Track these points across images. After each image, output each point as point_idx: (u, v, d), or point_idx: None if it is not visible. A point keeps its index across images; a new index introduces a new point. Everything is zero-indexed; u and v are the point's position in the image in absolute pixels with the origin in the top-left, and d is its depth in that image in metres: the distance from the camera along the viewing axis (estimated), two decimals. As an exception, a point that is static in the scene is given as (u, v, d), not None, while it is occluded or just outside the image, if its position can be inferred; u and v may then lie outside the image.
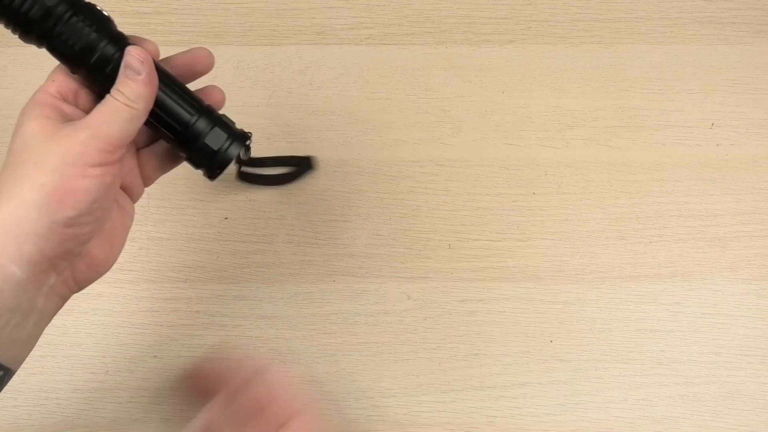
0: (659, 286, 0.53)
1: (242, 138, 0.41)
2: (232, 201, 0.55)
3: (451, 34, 0.59)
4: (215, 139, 0.40)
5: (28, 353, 0.36)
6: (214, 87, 0.42)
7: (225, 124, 0.41)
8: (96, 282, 0.38)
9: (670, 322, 0.52)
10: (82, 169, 0.34)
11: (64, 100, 0.37)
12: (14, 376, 0.37)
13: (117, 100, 0.35)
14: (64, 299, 0.37)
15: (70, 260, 0.36)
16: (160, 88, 0.38)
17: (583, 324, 0.52)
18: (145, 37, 0.39)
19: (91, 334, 0.52)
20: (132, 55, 0.36)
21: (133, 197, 0.41)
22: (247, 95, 0.57)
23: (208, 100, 0.41)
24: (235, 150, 0.41)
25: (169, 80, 0.40)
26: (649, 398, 0.51)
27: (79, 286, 0.37)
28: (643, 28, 0.59)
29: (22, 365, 0.37)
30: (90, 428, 0.50)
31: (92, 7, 0.37)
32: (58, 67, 0.38)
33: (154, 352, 0.52)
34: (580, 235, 0.54)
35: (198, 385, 0.39)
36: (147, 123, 0.38)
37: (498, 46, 0.59)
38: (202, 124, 0.40)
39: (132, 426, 0.51)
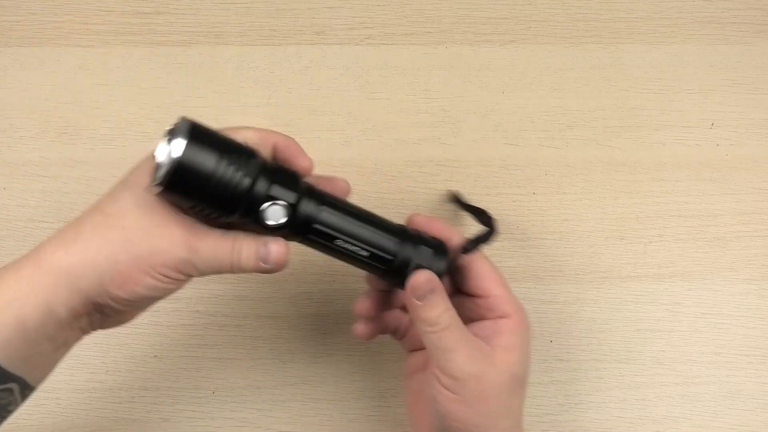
0: (659, 286, 0.53)
1: (442, 249, 0.42)
2: (232, 201, 0.55)
3: (451, 34, 0.59)
4: (424, 260, 0.41)
5: (48, 376, 0.39)
6: (340, 180, 0.42)
7: (424, 240, 0.42)
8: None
9: (670, 322, 0.52)
10: (158, 271, 0.35)
11: None
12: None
13: (232, 253, 0.37)
14: (86, 334, 0.38)
15: (105, 316, 0.37)
16: (357, 226, 0.40)
17: (583, 324, 0.52)
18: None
19: (91, 334, 0.52)
20: (279, 249, 0.38)
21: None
22: (247, 95, 0.57)
23: (334, 189, 0.41)
24: (441, 264, 0.41)
25: (365, 215, 0.40)
26: (648, 398, 0.51)
27: (102, 328, 0.39)
28: (643, 28, 0.59)
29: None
30: (90, 428, 0.51)
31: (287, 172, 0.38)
32: None
33: (154, 352, 0.52)
34: (580, 235, 0.54)
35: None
36: (352, 261, 0.41)
37: (498, 46, 0.59)
38: (408, 250, 0.41)
39: (132, 426, 0.51)
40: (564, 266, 0.53)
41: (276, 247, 0.38)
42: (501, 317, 0.41)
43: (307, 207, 0.38)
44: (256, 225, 0.38)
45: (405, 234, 0.41)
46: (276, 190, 0.37)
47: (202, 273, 0.36)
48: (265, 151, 0.38)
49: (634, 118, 0.57)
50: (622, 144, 0.56)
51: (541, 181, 0.55)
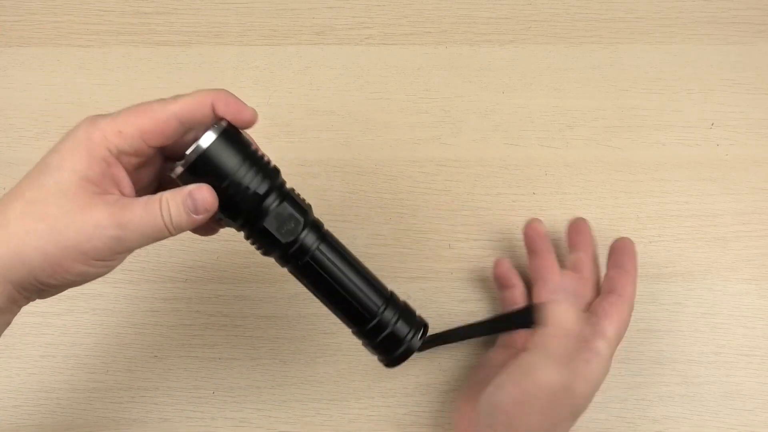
0: (659, 286, 0.53)
1: (423, 327, 0.43)
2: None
3: (451, 34, 0.59)
4: (400, 332, 0.41)
5: None
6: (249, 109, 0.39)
7: (408, 312, 0.42)
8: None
9: (670, 322, 0.52)
10: (90, 256, 0.34)
11: (117, 158, 0.36)
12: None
13: (161, 215, 0.35)
14: (23, 306, 0.37)
15: (42, 293, 0.36)
16: (348, 274, 0.40)
17: (583, 324, 0.52)
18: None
19: (91, 334, 0.52)
20: (203, 194, 0.36)
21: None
22: (247, 95, 0.57)
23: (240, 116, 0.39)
24: (417, 343, 0.42)
25: (359, 267, 0.41)
26: (648, 398, 0.51)
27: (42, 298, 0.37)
28: (643, 28, 0.59)
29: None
30: (90, 428, 0.51)
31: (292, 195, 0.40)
32: (130, 113, 0.36)
33: (154, 352, 0.52)
34: (580, 235, 0.54)
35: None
36: (331, 306, 0.41)
37: (498, 46, 0.59)
38: (388, 315, 0.41)
39: (132, 426, 0.51)
40: (564, 266, 0.53)
41: (199, 194, 0.36)
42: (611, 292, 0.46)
43: (308, 237, 0.39)
44: (251, 236, 0.39)
45: (391, 300, 0.42)
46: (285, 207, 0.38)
47: (139, 245, 0.35)
48: (204, 111, 0.37)
49: (634, 118, 0.57)
50: (622, 144, 0.56)
51: (541, 181, 0.55)
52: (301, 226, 0.38)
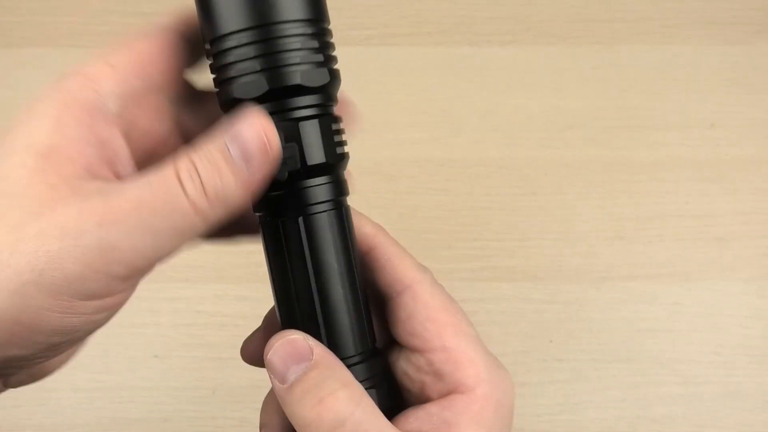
0: (659, 286, 0.53)
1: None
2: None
3: (451, 34, 0.59)
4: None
5: None
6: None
7: (390, 381, 0.27)
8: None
9: (670, 322, 0.52)
10: (62, 298, 0.20)
11: (119, 116, 0.22)
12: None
13: (182, 188, 0.20)
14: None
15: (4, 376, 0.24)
16: (342, 276, 0.25)
17: (583, 324, 0.52)
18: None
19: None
20: (255, 127, 0.21)
21: None
22: (247, 95, 0.57)
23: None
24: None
25: (359, 285, 0.26)
26: (648, 398, 0.51)
27: (7, 388, 0.26)
28: (643, 28, 0.59)
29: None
30: (90, 428, 0.51)
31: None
32: (118, 43, 0.23)
33: (154, 352, 0.52)
34: (580, 235, 0.54)
35: None
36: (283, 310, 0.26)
37: (498, 46, 0.59)
38: (359, 366, 0.26)
39: (132, 426, 0.51)
40: (564, 266, 0.53)
41: (249, 130, 0.21)
42: (454, 392, 0.24)
43: (318, 190, 0.25)
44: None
45: (374, 354, 0.27)
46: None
47: (153, 256, 0.21)
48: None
49: (634, 118, 0.57)
50: (622, 144, 0.56)
51: (541, 181, 0.55)
52: (299, 161, 0.24)
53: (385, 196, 0.55)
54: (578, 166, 0.56)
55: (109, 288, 0.21)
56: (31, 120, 0.21)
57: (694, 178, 0.55)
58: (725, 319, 0.52)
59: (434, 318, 0.25)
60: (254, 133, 0.21)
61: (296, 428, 0.23)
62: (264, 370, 0.24)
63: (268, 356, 0.23)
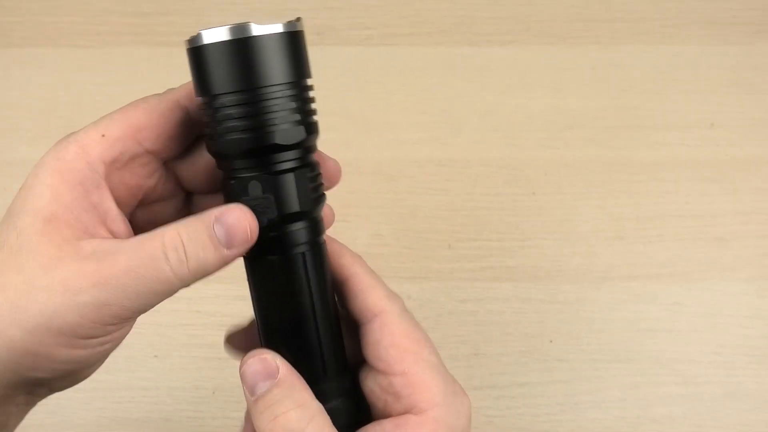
0: (659, 286, 0.53)
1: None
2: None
3: (451, 34, 0.59)
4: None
5: None
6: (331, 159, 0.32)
7: (356, 399, 0.30)
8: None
9: (670, 322, 0.52)
10: (69, 339, 0.25)
11: (106, 178, 0.26)
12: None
13: (164, 257, 0.24)
14: (34, 405, 0.29)
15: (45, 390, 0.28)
16: (316, 307, 0.29)
17: (583, 324, 0.52)
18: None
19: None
20: (237, 215, 0.25)
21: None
22: (247, 95, 0.57)
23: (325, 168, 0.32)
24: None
25: (334, 317, 0.29)
26: (648, 398, 0.51)
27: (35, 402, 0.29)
28: (643, 28, 0.59)
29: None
30: (90, 428, 0.51)
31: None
32: (116, 111, 0.27)
33: (154, 352, 0.52)
34: (580, 235, 0.54)
35: None
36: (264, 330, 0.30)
37: (498, 46, 0.59)
38: (327, 388, 0.29)
39: (132, 426, 0.51)
40: (563, 266, 0.53)
41: (233, 217, 0.25)
42: (408, 412, 0.27)
43: (296, 234, 0.28)
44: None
45: (342, 374, 0.29)
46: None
47: (137, 308, 0.25)
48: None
49: (634, 118, 0.57)
50: (622, 144, 0.56)
51: (541, 181, 0.55)
52: (275, 213, 0.27)
53: (385, 196, 0.55)
54: (578, 166, 0.56)
55: (105, 331, 0.25)
56: (35, 186, 0.25)
57: (694, 178, 0.55)
58: (725, 319, 0.52)
59: (397, 345, 0.28)
60: (235, 221, 0.25)
61: None
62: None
63: (242, 369, 0.27)
